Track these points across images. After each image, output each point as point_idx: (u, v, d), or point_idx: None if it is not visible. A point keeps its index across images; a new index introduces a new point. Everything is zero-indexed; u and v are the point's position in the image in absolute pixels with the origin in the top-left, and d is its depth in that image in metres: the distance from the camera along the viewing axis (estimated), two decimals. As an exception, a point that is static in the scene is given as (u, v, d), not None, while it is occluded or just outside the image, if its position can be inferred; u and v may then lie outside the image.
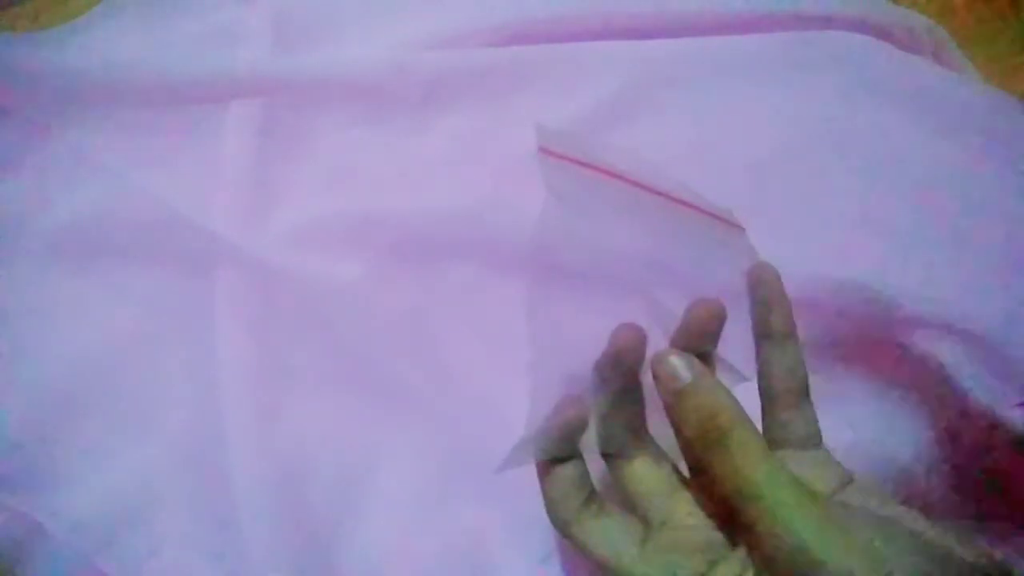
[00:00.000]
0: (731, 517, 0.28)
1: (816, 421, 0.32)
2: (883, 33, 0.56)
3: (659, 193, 0.32)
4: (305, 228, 0.47)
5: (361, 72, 0.51)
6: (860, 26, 0.55)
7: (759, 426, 0.30)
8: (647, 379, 0.31)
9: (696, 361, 0.30)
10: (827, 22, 0.55)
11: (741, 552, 0.28)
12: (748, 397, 0.31)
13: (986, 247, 0.47)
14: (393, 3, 0.56)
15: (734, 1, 0.55)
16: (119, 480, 0.41)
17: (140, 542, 0.39)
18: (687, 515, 0.30)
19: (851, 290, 0.45)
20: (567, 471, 0.31)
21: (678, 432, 0.30)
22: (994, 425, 0.41)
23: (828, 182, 0.49)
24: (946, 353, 0.43)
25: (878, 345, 0.45)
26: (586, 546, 0.30)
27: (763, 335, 0.33)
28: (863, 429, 0.43)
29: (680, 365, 0.29)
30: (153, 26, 0.55)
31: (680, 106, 0.51)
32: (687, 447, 0.31)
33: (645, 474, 0.32)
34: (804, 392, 0.32)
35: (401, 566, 0.40)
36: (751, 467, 0.27)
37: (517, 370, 0.43)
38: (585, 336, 0.31)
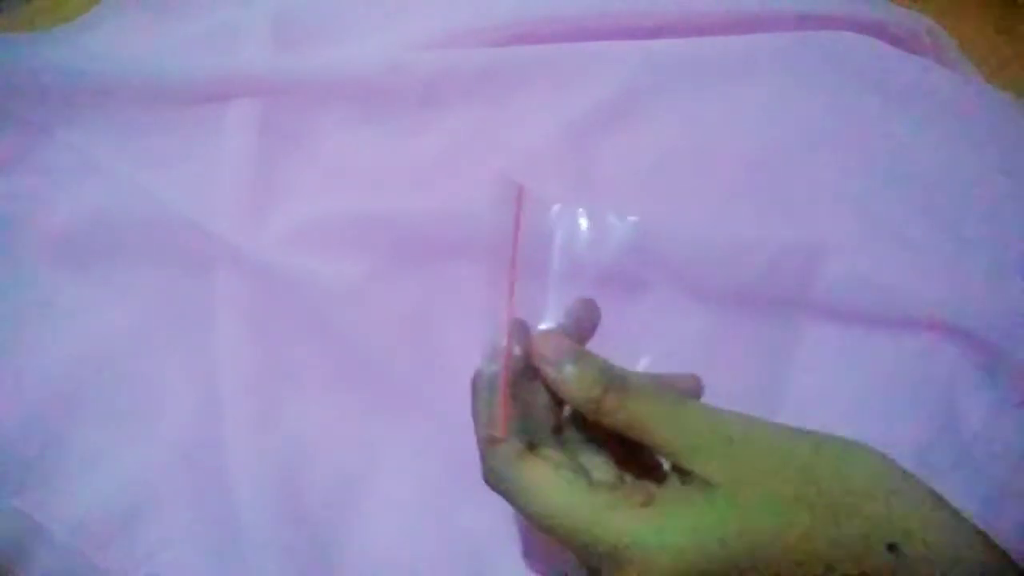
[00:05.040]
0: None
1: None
2: (883, 33, 0.56)
3: None
4: (305, 228, 0.47)
5: (361, 72, 0.51)
6: (860, 26, 0.55)
7: None
8: None
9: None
10: (827, 22, 0.55)
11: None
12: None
13: (985, 247, 0.47)
14: (393, 3, 0.56)
15: (734, 1, 0.55)
16: (119, 480, 0.41)
17: (140, 542, 0.39)
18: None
19: (849, 288, 0.45)
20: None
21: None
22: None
23: (827, 181, 0.49)
24: (946, 352, 0.43)
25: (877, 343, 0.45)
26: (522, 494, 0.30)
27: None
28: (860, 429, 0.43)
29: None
30: (153, 26, 0.55)
31: (680, 106, 0.51)
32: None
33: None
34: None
35: (401, 566, 0.40)
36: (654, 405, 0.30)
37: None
38: None
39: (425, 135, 0.50)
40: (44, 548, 0.39)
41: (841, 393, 0.44)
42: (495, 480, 0.31)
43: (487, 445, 0.31)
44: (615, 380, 0.30)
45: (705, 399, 0.34)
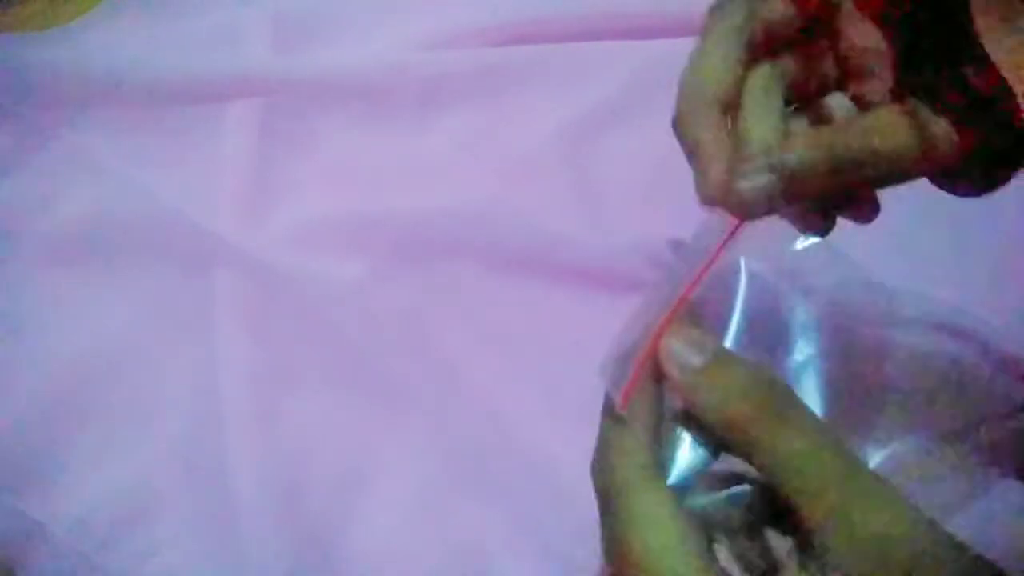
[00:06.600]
0: None
1: None
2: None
3: None
4: (305, 228, 0.47)
5: (361, 72, 0.51)
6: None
7: None
8: None
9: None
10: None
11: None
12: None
13: (984, 246, 0.47)
14: (393, 3, 0.56)
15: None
16: (119, 480, 0.41)
17: (140, 542, 0.39)
18: None
19: (849, 288, 0.45)
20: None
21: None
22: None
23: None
24: (946, 351, 0.43)
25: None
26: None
27: None
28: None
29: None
30: (153, 26, 0.55)
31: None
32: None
33: None
34: None
35: (401, 566, 0.40)
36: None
37: (517, 369, 0.43)
38: None
39: (425, 135, 0.50)
40: (44, 548, 0.39)
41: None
42: (599, 479, 0.23)
43: (608, 417, 0.23)
44: (773, 402, 0.21)
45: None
